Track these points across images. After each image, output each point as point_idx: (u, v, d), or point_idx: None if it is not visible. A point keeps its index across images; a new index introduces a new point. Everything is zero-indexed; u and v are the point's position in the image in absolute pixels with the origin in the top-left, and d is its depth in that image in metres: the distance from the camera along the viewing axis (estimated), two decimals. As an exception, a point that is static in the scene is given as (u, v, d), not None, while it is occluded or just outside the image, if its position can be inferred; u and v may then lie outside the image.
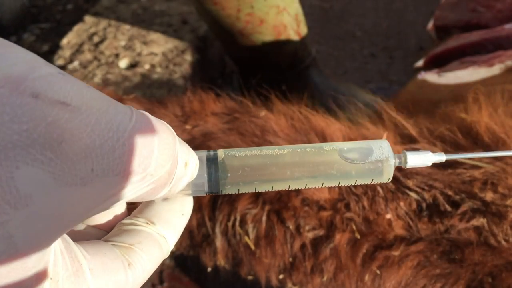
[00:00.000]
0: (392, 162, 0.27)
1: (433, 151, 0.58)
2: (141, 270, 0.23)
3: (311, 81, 1.15)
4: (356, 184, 0.27)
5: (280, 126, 0.62)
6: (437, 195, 0.55)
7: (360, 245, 0.56)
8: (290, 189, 0.27)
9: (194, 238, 0.62)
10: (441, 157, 0.28)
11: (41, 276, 0.18)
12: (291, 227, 0.57)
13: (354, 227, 0.56)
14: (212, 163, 0.26)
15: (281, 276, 0.59)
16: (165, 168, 0.21)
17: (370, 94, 1.19)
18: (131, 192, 0.20)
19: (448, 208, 0.55)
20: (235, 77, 1.24)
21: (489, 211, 0.54)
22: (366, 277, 0.55)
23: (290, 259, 0.58)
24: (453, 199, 0.55)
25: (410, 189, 0.56)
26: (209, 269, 0.62)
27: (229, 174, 0.26)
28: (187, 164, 0.23)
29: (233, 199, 0.59)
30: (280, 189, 0.27)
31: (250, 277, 0.61)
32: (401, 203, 0.56)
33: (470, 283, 0.52)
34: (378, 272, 0.55)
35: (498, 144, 0.57)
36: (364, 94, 1.17)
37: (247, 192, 0.27)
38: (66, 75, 0.18)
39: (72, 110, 0.17)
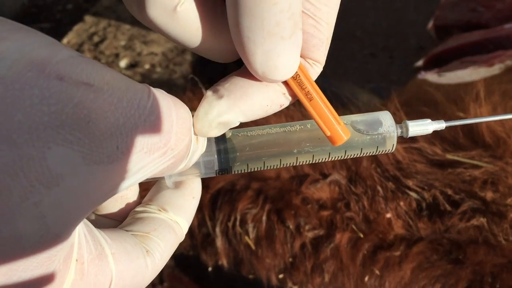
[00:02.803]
0: (394, 131, 0.27)
1: (433, 150, 0.58)
2: (159, 257, 0.24)
3: (311, 81, 1.15)
4: (362, 154, 0.27)
5: (280, 125, 0.62)
6: (437, 194, 0.55)
7: (361, 245, 0.56)
8: (298, 162, 0.27)
9: (195, 238, 0.62)
10: (440, 124, 0.28)
11: (67, 257, 0.19)
12: (291, 226, 0.57)
13: (354, 227, 0.56)
14: (220, 143, 0.26)
15: (281, 276, 0.59)
16: (184, 141, 0.22)
17: (370, 94, 1.19)
18: (153, 167, 0.21)
19: (448, 207, 0.55)
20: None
21: (489, 210, 0.54)
22: (366, 278, 0.55)
23: (291, 259, 0.58)
24: (453, 198, 0.55)
25: (410, 189, 0.56)
26: (209, 269, 0.62)
27: (237, 153, 0.26)
28: (198, 138, 0.24)
29: (233, 199, 0.59)
30: (288, 164, 0.27)
31: (250, 277, 0.61)
32: (401, 203, 0.56)
33: (470, 283, 0.52)
34: (378, 272, 0.55)
35: (499, 144, 0.57)
36: (364, 93, 1.17)
37: (256, 168, 0.27)
38: (85, 57, 0.18)
39: (96, 90, 0.18)
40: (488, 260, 0.52)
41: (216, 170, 0.26)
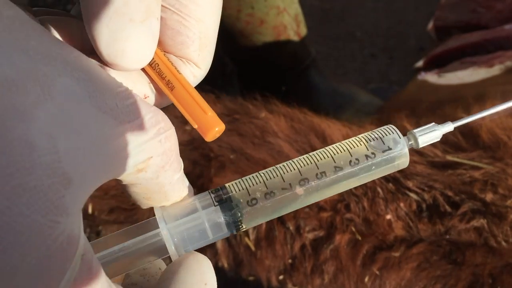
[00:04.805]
0: (405, 146, 0.26)
1: (433, 151, 0.58)
2: None
3: (311, 82, 1.15)
4: (376, 176, 0.26)
5: (280, 127, 0.62)
6: (437, 195, 0.55)
7: (361, 246, 0.56)
8: (310, 203, 0.26)
9: (194, 239, 0.62)
10: (449, 127, 0.28)
11: (73, 238, 0.17)
12: (291, 228, 0.57)
13: (353, 228, 0.56)
14: (224, 205, 0.24)
15: (281, 277, 0.59)
16: (171, 130, 0.22)
17: (370, 95, 1.19)
18: (152, 145, 0.21)
19: (448, 209, 0.55)
20: (235, 78, 1.24)
21: (489, 212, 0.54)
22: (366, 279, 0.55)
23: (290, 260, 0.58)
24: (453, 200, 0.55)
25: (410, 190, 0.56)
26: (209, 270, 0.62)
27: (244, 210, 0.24)
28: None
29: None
30: (301, 207, 0.26)
31: (250, 278, 0.61)
32: (401, 204, 0.56)
33: (470, 284, 0.52)
34: (378, 273, 0.55)
35: (499, 146, 0.57)
36: (364, 94, 1.17)
37: (268, 220, 0.26)
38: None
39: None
40: (488, 261, 0.52)
41: (225, 234, 0.24)
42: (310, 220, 0.57)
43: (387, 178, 0.57)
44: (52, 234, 0.16)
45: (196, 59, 0.24)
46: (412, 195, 0.56)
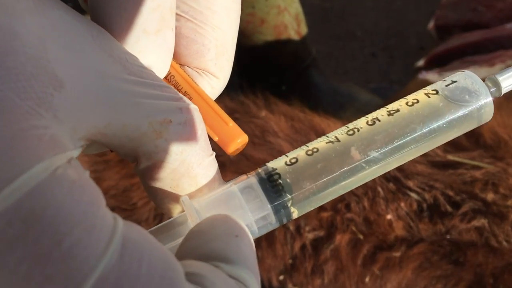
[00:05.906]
0: (488, 94, 0.21)
1: (434, 151, 0.57)
2: None
3: (312, 81, 1.15)
4: (455, 133, 0.22)
5: (280, 126, 0.62)
6: (438, 195, 0.55)
7: (361, 246, 0.55)
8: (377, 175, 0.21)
9: (194, 239, 0.62)
10: None
11: (58, 144, 0.14)
12: (291, 227, 0.57)
13: (354, 228, 0.56)
14: (268, 187, 0.20)
15: (281, 277, 0.59)
16: (194, 106, 0.20)
17: (370, 94, 1.19)
18: (170, 107, 0.18)
19: (449, 208, 0.55)
20: (235, 77, 1.24)
21: (490, 211, 0.54)
22: (367, 279, 0.55)
23: (291, 260, 0.58)
24: (454, 199, 0.55)
25: (410, 190, 0.56)
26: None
27: (293, 193, 0.20)
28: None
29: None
30: (367, 181, 0.21)
31: (250, 278, 0.61)
32: (402, 204, 0.56)
33: (471, 284, 0.52)
34: (378, 273, 0.55)
35: (500, 145, 0.57)
36: (365, 93, 1.17)
37: (325, 202, 0.21)
38: None
39: None
40: (489, 261, 0.52)
41: (273, 224, 0.20)
42: (310, 219, 0.57)
43: (387, 178, 0.57)
44: (30, 119, 0.14)
45: (213, 68, 0.22)
46: (413, 194, 0.56)
